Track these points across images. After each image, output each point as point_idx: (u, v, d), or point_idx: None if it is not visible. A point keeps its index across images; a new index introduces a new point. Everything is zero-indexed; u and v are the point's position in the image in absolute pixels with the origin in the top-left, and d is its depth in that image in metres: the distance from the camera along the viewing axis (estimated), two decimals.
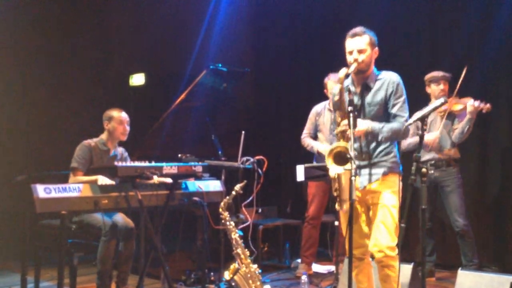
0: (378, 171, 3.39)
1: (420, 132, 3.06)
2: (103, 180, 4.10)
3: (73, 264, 4.11)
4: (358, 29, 3.38)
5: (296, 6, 7.20)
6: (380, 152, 3.41)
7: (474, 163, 5.31)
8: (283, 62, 7.35)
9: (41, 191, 3.61)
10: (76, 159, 4.41)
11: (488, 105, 4.75)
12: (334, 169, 3.14)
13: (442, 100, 3.09)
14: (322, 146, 5.23)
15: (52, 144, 4.61)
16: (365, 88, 3.42)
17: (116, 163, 3.98)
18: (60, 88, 6.45)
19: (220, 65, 5.60)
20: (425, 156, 5.09)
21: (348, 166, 3.09)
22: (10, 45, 6.13)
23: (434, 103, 3.10)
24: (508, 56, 5.42)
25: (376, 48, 3.41)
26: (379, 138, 3.34)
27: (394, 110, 3.38)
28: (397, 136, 3.33)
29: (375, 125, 3.32)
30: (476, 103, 4.75)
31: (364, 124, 3.31)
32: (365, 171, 3.41)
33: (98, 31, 6.77)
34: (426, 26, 6.04)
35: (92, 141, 4.52)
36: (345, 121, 3.23)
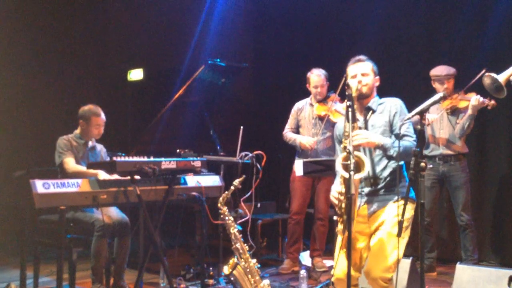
0: (386, 198, 3.33)
1: (419, 126, 3.04)
2: (103, 175, 4.10)
3: (72, 259, 4.11)
4: (361, 56, 3.45)
5: (294, 0, 7.19)
6: (388, 176, 3.34)
7: (472, 158, 5.32)
8: (282, 57, 7.34)
9: (40, 186, 3.61)
10: (60, 152, 4.41)
11: (493, 102, 4.75)
12: (345, 175, 3.02)
13: (441, 94, 3.09)
14: (304, 138, 5.27)
15: (50, 139, 4.60)
16: (368, 111, 3.41)
17: (117, 157, 3.97)
18: (58, 83, 6.44)
19: (218, 60, 5.60)
20: (434, 152, 5.13)
21: (360, 174, 3.06)
22: (7, 41, 6.11)
23: (432, 98, 3.09)
24: (506, 49, 5.42)
25: (378, 77, 3.46)
26: (391, 152, 3.25)
27: (402, 131, 3.32)
28: (408, 154, 3.19)
29: (386, 140, 3.27)
30: (481, 98, 4.76)
31: (376, 137, 3.25)
32: (374, 198, 3.34)
33: (96, 26, 6.75)
34: (423, 21, 6.03)
35: (67, 136, 4.52)
36: (362, 130, 3.22)
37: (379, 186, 3.35)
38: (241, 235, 3.87)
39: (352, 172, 2.96)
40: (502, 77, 3.19)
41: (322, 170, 4.66)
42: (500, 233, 5.55)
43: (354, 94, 3.22)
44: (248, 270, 3.75)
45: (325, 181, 5.32)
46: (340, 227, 3.22)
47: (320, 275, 5.14)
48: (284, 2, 7.26)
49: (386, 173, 3.36)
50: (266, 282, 3.78)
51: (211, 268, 4.83)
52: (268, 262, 5.84)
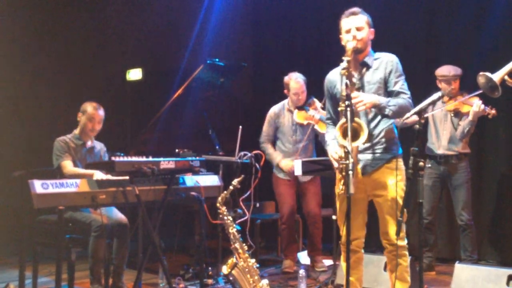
0: (380, 157, 3.38)
1: (418, 126, 3.04)
2: (99, 175, 4.09)
3: (71, 259, 4.10)
4: (354, 8, 3.42)
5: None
6: (381, 132, 3.39)
7: (472, 158, 5.32)
8: (281, 56, 7.33)
9: (39, 186, 3.61)
10: (57, 155, 4.40)
11: (493, 111, 4.76)
12: (345, 144, 3.10)
13: (439, 93, 3.09)
14: (284, 161, 5.23)
15: (49, 139, 4.59)
16: (364, 67, 3.41)
17: (115, 157, 3.96)
18: (57, 83, 6.43)
19: (217, 59, 5.60)
20: (436, 151, 5.15)
21: (359, 140, 3.10)
22: (5, 41, 6.10)
23: (431, 97, 3.09)
24: (505, 48, 5.42)
25: (372, 29, 3.44)
26: (386, 111, 3.30)
27: (397, 87, 3.37)
28: (403, 112, 3.25)
29: (382, 99, 3.31)
30: (482, 106, 4.75)
31: (371, 97, 3.28)
32: (366, 156, 3.38)
33: (94, 26, 6.74)
34: (422, 20, 6.04)
35: (66, 137, 4.50)
36: (356, 93, 3.22)
37: (372, 143, 3.38)
38: (240, 235, 3.87)
39: (351, 172, 2.97)
40: (496, 77, 3.19)
41: (320, 169, 4.66)
42: (499, 232, 5.55)
43: (349, 57, 3.19)
44: (247, 269, 3.75)
45: (312, 182, 5.32)
46: (341, 187, 3.25)
47: (319, 274, 5.14)
48: (282, 1, 7.26)
49: (378, 130, 3.39)
50: (265, 281, 3.78)
51: (210, 268, 4.83)
52: (267, 261, 5.84)
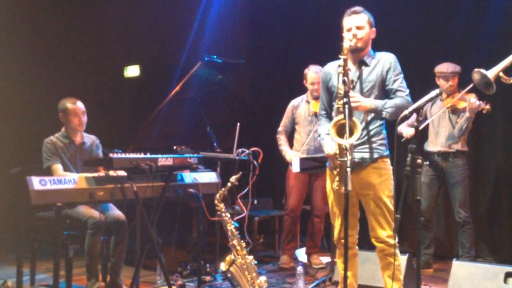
0: (367, 156, 3.38)
1: (416, 123, 3.05)
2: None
3: (69, 256, 4.10)
4: (357, 8, 3.44)
5: None
6: (370, 131, 3.40)
7: (468, 155, 5.34)
8: (278, 53, 7.33)
9: (36, 183, 3.61)
10: (46, 158, 4.37)
11: (488, 106, 4.78)
12: (339, 141, 3.15)
13: (437, 91, 3.09)
14: (293, 156, 5.23)
15: (46, 136, 4.58)
16: (362, 65, 3.43)
17: (113, 154, 3.95)
18: (55, 80, 6.42)
19: (215, 56, 5.58)
20: (433, 148, 5.18)
21: (353, 138, 3.10)
22: (3, 38, 6.09)
23: (429, 94, 3.10)
24: (502, 48, 5.42)
25: (374, 29, 3.46)
26: (383, 114, 3.32)
27: (395, 85, 3.38)
28: (401, 111, 3.20)
29: (378, 103, 3.32)
30: (477, 102, 4.77)
31: (368, 101, 3.30)
32: (354, 154, 3.36)
33: (92, 22, 6.73)
34: (421, 18, 6.04)
35: (53, 137, 4.46)
36: (353, 93, 3.26)
37: (360, 141, 3.37)
38: (238, 232, 3.87)
39: (349, 169, 2.97)
40: (491, 73, 3.19)
41: (318, 167, 4.66)
42: (496, 230, 5.56)
43: (345, 55, 3.21)
44: (245, 266, 3.75)
45: (322, 178, 5.33)
46: (335, 184, 3.30)
47: (317, 271, 5.15)
48: None
49: (366, 130, 3.40)
50: (263, 278, 3.79)
51: (208, 265, 4.84)
52: (265, 258, 5.85)
